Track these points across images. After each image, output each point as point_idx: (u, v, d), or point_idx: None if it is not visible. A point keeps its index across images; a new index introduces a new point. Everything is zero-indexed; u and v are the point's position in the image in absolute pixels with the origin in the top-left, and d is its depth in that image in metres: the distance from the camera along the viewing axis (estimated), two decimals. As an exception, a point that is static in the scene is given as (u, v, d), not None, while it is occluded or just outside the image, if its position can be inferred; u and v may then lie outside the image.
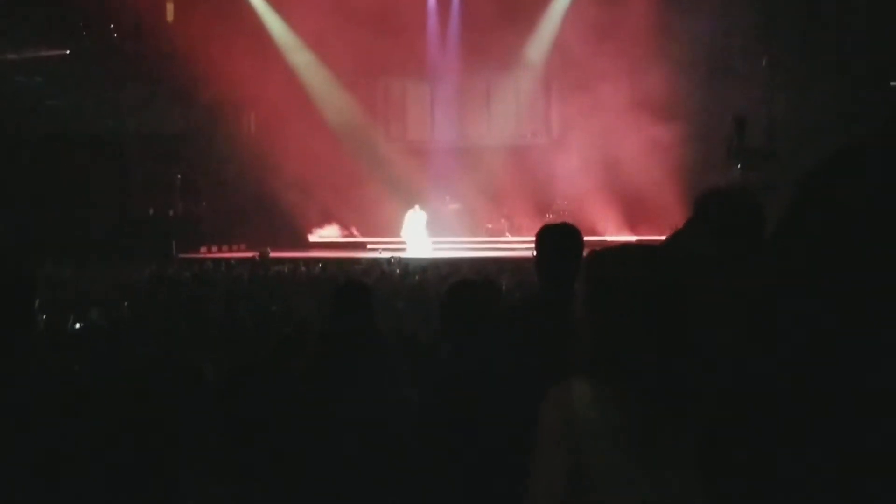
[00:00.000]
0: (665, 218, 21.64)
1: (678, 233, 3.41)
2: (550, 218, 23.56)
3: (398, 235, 25.27)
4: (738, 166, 21.25)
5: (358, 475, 3.75)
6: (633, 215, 23.76)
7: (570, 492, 2.35)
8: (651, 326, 2.36)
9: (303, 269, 18.27)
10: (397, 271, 16.45)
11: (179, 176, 28.30)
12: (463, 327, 3.83)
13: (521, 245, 22.97)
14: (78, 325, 8.51)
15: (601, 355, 2.42)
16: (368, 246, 25.47)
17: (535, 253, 4.54)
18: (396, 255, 21.30)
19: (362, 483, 3.66)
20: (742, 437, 2.20)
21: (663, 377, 2.35)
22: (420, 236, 24.73)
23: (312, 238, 27.39)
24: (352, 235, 27.48)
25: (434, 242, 24.58)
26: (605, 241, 20.61)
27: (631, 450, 2.35)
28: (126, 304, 11.61)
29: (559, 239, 4.46)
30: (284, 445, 3.36)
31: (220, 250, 25.91)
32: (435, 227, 25.46)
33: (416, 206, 24.99)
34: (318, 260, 20.46)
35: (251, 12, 27.05)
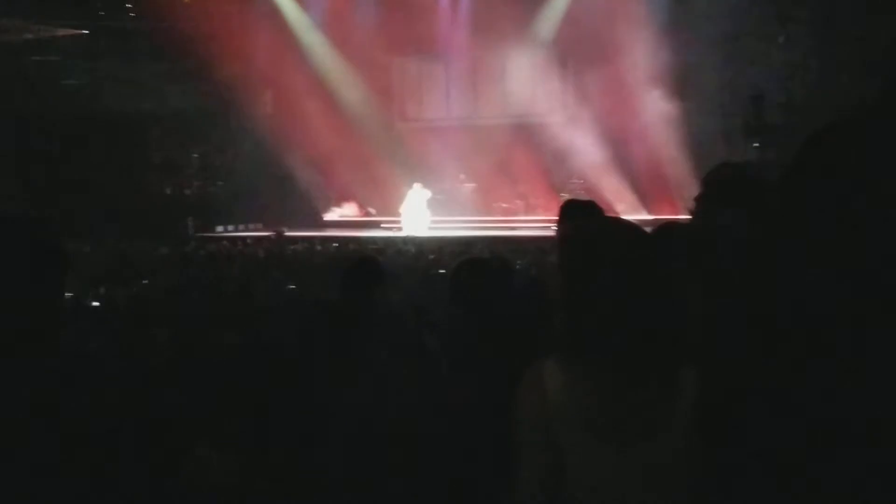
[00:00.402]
0: (680, 196, 21.63)
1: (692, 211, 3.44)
2: (565, 197, 23.53)
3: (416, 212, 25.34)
4: (755, 144, 21.20)
5: (375, 449, 3.80)
6: (647, 193, 23.70)
7: (549, 471, 2.40)
8: (621, 302, 2.37)
9: (318, 247, 18.34)
10: (412, 250, 16.47)
11: (196, 155, 28.41)
12: (471, 304, 3.88)
13: (536, 224, 22.95)
14: (96, 303, 8.58)
15: (572, 332, 2.44)
16: (383, 225, 25.51)
17: (556, 229, 4.58)
18: (411, 234, 21.36)
19: (377, 456, 3.71)
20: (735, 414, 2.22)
21: (633, 354, 2.38)
22: (419, 214, 24.73)
23: (328, 217, 27.44)
24: (367, 214, 27.51)
25: (433, 221, 24.60)
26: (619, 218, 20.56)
27: (600, 427, 2.39)
28: (144, 281, 11.71)
29: (580, 216, 4.51)
30: (303, 421, 3.41)
31: (236, 229, 25.99)
32: (449, 207, 25.50)
33: (418, 185, 24.92)
34: (333, 239, 20.53)
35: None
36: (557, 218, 4.63)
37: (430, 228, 23.92)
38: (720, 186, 3.50)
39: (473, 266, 4.10)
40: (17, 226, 2.26)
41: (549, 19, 26.06)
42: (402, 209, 24.89)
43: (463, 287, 3.97)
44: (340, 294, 5.13)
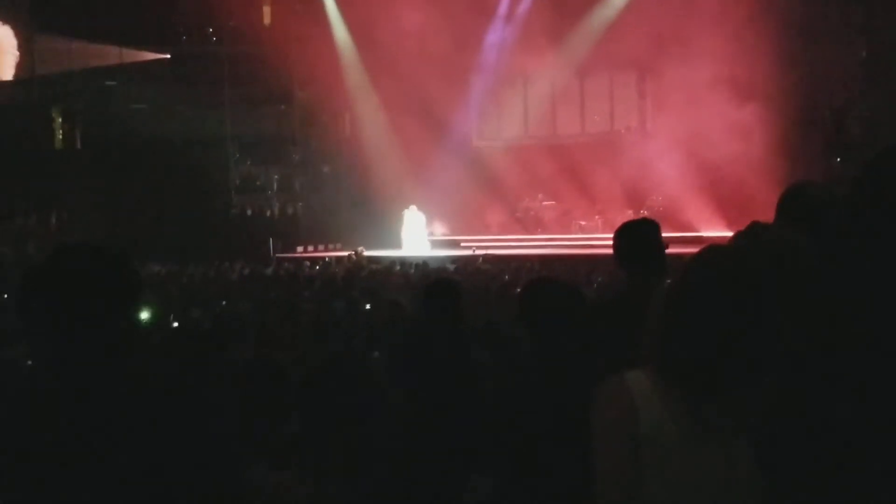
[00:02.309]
0: (762, 213, 21.27)
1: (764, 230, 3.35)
2: (645, 214, 23.35)
3: (492, 233, 25.30)
4: (838, 160, 20.80)
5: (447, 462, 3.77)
6: (728, 209, 23.32)
7: (633, 484, 2.36)
8: (729, 328, 2.30)
9: (397, 267, 18.40)
10: (489, 269, 16.46)
11: (277, 177, 28.78)
12: (539, 324, 3.84)
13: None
14: (176, 324, 8.69)
15: (672, 351, 2.38)
16: (462, 244, 25.51)
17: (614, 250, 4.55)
18: (489, 252, 21.35)
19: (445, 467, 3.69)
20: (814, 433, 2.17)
21: (731, 378, 2.31)
22: (417, 235, 25.37)
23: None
24: (446, 234, 27.55)
25: (431, 241, 25.53)
26: (701, 236, 20.30)
27: (686, 442, 2.34)
28: (224, 302, 11.84)
29: (635, 236, 4.47)
30: (369, 437, 3.39)
31: (315, 249, 26.21)
32: (528, 225, 25.50)
33: (413, 207, 25.47)
34: (411, 258, 20.59)
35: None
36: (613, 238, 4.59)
37: (464, 246, 24.29)
38: (794, 205, 3.41)
39: (540, 286, 4.05)
40: (92, 254, 2.30)
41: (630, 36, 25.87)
42: (403, 232, 25.56)
43: (528, 306, 3.92)
44: (419, 314, 5.13)
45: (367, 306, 10.92)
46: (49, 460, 2.09)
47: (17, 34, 26.51)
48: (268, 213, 28.39)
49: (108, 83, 27.10)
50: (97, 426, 2.14)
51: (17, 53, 26.48)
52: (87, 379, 2.20)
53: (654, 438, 2.35)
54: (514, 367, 4.07)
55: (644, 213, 24.14)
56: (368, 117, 26.83)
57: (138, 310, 2.36)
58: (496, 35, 26.92)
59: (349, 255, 22.85)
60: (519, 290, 4.25)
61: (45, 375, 2.21)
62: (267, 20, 27.40)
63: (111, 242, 2.39)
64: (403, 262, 19.36)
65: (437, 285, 5.50)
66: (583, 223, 26.16)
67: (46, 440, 2.11)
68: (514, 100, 28.71)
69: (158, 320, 8.77)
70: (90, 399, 2.17)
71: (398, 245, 25.76)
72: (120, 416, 2.17)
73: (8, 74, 26.64)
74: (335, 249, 25.92)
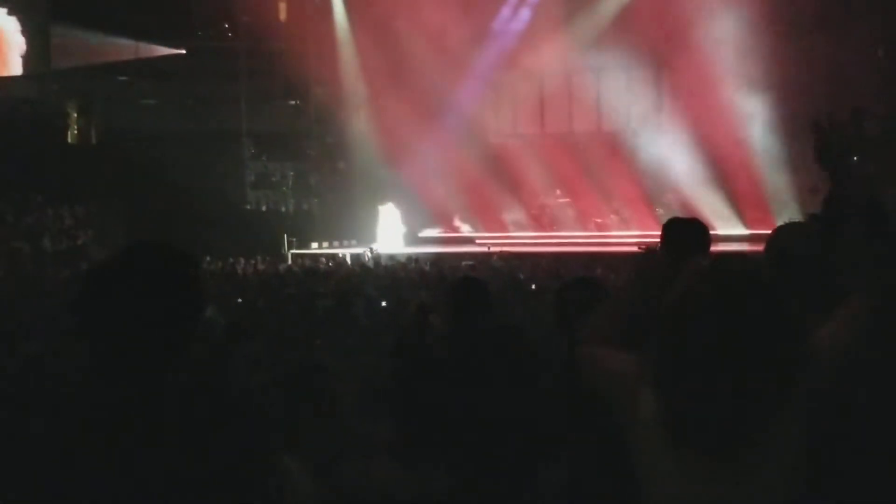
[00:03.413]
0: (778, 212, 21.15)
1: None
2: (661, 212, 23.31)
3: (509, 230, 25.28)
4: (855, 158, 20.65)
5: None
6: (744, 207, 23.21)
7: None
8: (719, 348, 2.12)
9: (412, 264, 18.37)
10: (505, 267, 16.42)
11: (292, 173, 28.78)
12: (573, 325, 3.77)
13: (630, 239, 22.63)
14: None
15: (667, 369, 2.22)
16: (477, 241, 25.46)
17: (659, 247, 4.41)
18: (503, 250, 21.31)
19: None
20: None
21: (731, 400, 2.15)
22: (392, 232, 25.94)
23: (422, 234, 27.50)
24: (461, 231, 27.51)
25: (405, 237, 26.05)
26: (717, 234, 20.21)
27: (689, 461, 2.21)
28: (239, 300, 11.82)
29: (685, 235, 4.34)
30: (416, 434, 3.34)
31: (331, 246, 26.18)
32: (544, 223, 25.47)
33: (390, 204, 26.10)
34: (427, 255, 20.56)
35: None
36: (661, 240, 4.44)
37: (479, 243, 24.31)
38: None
39: (582, 286, 3.97)
40: (165, 254, 2.26)
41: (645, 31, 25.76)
42: (378, 228, 26.25)
43: (567, 308, 3.85)
44: (451, 317, 5.06)
45: (384, 303, 10.90)
46: (107, 465, 2.05)
47: (26, 26, 26.53)
48: (283, 210, 28.39)
49: (123, 78, 27.14)
50: (160, 430, 2.10)
51: (24, 46, 26.52)
52: (150, 383, 2.16)
53: (647, 427, 2.26)
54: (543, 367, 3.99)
55: (659, 211, 24.07)
56: (383, 113, 26.76)
57: (203, 311, 2.31)
58: (508, 25, 26.84)
59: (364, 251, 22.85)
60: (557, 289, 4.14)
61: (105, 379, 2.16)
62: (283, 15, 27.37)
63: (172, 242, 2.33)
64: (418, 260, 19.33)
65: (464, 284, 5.42)
66: (598, 221, 26.06)
67: (105, 446, 2.07)
68: (529, 95, 28.59)
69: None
70: (151, 403, 2.14)
71: (412, 242, 25.78)
72: (181, 420, 2.13)
73: (16, 69, 26.69)
74: (350, 246, 25.89)
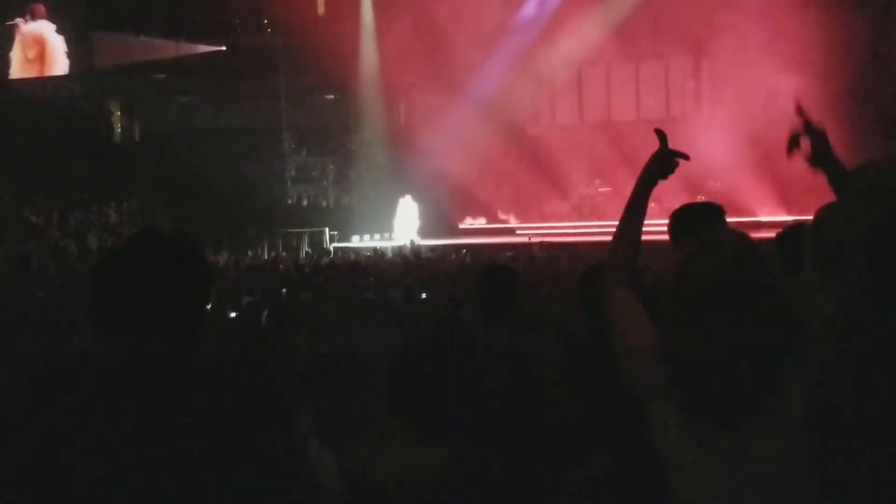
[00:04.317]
0: (821, 195, 20.96)
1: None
2: (703, 199, 23.11)
3: (549, 221, 25.24)
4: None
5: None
6: (788, 193, 22.98)
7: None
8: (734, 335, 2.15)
9: (452, 256, 18.40)
10: (546, 257, 16.41)
11: (332, 167, 28.91)
12: (597, 309, 3.78)
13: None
14: (233, 314, 8.74)
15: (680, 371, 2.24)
16: (518, 232, 25.46)
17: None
18: (544, 240, 21.28)
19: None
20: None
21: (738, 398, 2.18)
22: (409, 225, 25.98)
23: (462, 225, 27.53)
24: (502, 222, 27.51)
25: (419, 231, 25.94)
26: (760, 221, 20.07)
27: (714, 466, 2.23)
28: (284, 291, 11.92)
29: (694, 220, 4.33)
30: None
31: (371, 239, 26.28)
32: (585, 212, 25.45)
33: (408, 196, 26.16)
34: (467, 247, 20.57)
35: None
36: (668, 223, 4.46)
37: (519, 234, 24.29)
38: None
39: (600, 271, 3.98)
40: (168, 240, 2.29)
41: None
42: (395, 221, 26.42)
43: (589, 293, 3.86)
44: (476, 302, 5.09)
45: (423, 295, 10.93)
46: (121, 453, 2.08)
47: (68, 32, 26.90)
48: (323, 204, 28.53)
49: (164, 76, 27.40)
50: (171, 418, 2.12)
51: (67, 49, 26.89)
52: (162, 370, 2.18)
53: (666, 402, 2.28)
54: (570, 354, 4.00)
55: (701, 198, 23.90)
56: (420, 105, 26.82)
57: (209, 298, 2.35)
58: (542, 9, 26.73)
59: (405, 244, 22.94)
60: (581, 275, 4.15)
61: (117, 367, 2.18)
62: (320, 10, 27.46)
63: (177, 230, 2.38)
64: (458, 251, 19.37)
65: (493, 272, 5.45)
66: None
67: (119, 433, 2.09)
68: (567, 85, 28.50)
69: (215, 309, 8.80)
70: (164, 390, 2.16)
71: (453, 233, 25.81)
72: (194, 408, 2.15)
73: (62, 69, 27.07)
74: (390, 239, 25.98)
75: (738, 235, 2.35)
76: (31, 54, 27.02)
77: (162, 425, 2.11)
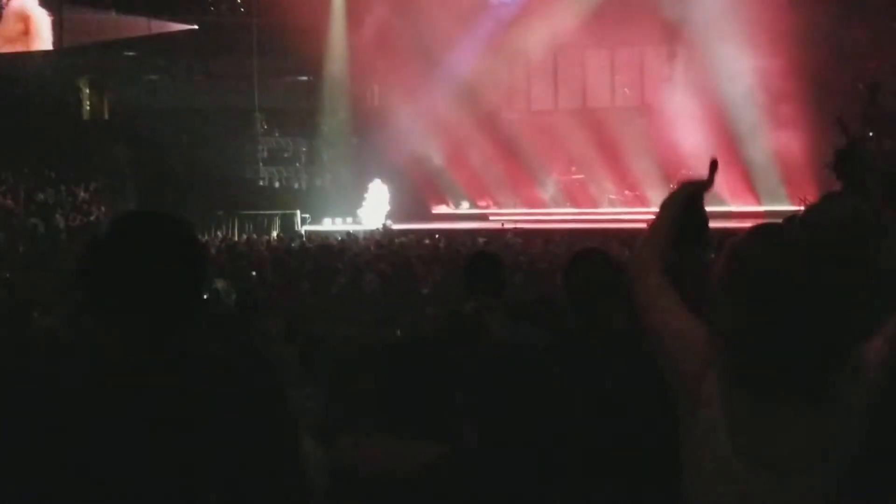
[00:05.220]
0: (794, 187, 21.05)
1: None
2: (674, 188, 23.18)
3: (524, 206, 25.23)
4: (871, 133, 20.52)
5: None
6: (762, 184, 23.11)
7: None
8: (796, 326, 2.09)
9: (426, 241, 18.34)
10: (519, 242, 16.37)
11: (305, 148, 28.74)
12: (584, 297, 3.70)
13: (644, 216, 22.54)
14: (205, 296, 8.62)
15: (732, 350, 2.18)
16: (491, 217, 25.41)
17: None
18: (517, 226, 21.26)
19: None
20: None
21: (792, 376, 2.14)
22: (378, 209, 25.85)
23: (435, 210, 27.46)
24: (475, 207, 27.46)
25: (388, 216, 25.70)
26: (731, 211, 20.11)
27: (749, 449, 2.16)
28: (253, 273, 11.82)
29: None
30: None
31: (344, 222, 26.16)
32: (559, 199, 25.44)
33: (378, 180, 26.09)
34: (439, 232, 20.52)
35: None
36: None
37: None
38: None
39: (587, 259, 3.88)
40: (162, 222, 2.23)
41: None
42: (364, 205, 26.32)
43: (574, 282, 3.76)
44: (463, 290, 4.99)
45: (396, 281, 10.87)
46: (113, 438, 2.02)
47: (48, 8, 26.65)
48: (295, 186, 28.37)
49: (135, 54, 27.12)
50: (165, 402, 2.06)
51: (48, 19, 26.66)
52: (156, 353, 2.12)
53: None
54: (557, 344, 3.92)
55: (674, 187, 23.96)
56: (396, 88, 26.65)
57: (206, 281, 2.28)
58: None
59: (377, 228, 22.86)
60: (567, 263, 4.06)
61: (110, 350, 2.11)
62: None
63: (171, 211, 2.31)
64: (432, 236, 19.30)
65: (479, 259, 5.34)
66: (612, 197, 25.99)
67: (111, 417, 2.03)
68: (543, 71, 28.46)
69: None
70: (157, 374, 2.09)
71: (426, 218, 25.72)
72: (187, 392, 2.09)
73: (46, 45, 26.77)
74: (362, 222, 25.87)
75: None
76: (16, 30, 26.66)
77: (152, 406, 2.04)
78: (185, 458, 2.03)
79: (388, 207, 26.00)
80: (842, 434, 2.13)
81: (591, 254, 4.00)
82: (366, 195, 26.11)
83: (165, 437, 2.02)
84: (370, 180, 26.61)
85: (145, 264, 2.12)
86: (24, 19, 26.64)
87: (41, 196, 22.52)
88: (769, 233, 2.27)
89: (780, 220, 2.56)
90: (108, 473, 2.00)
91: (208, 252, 2.65)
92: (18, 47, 26.71)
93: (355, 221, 25.94)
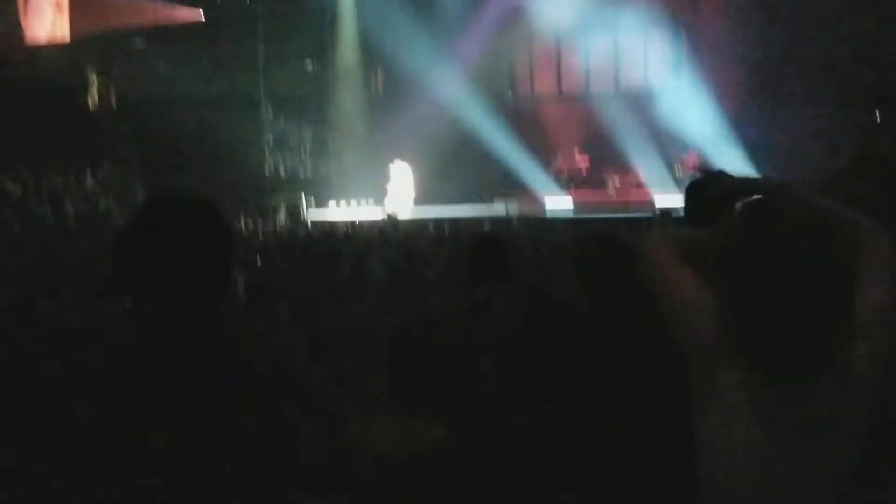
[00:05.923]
0: (798, 171, 21.06)
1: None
2: (679, 170, 23.34)
3: (528, 192, 25.25)
4: (878, 113, 20.49)
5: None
6: (765, 165, 23.08)
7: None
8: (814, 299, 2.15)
9: (431, 228, 18.37)
10: (525, 229, 16.39)
11: (310, 135, 28.72)
12: (595, 284, 3.75)
13: (649, 202, 22.56)
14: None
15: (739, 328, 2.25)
16: (497, 203, 25.38)
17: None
18: (524, 213, 21.25)
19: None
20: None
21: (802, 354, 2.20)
22: (403, 193, 25.17)
23: (439, 196, 27.41)
24: (480, 192, 27.39)
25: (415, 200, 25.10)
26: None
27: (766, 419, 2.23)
28: (259, 261, 11.86)
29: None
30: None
31: (349, 206, 26.13)
32: (563, 184, 25.46)
33: (398, 160, 25.29)
34: (447, 218, 20.53)
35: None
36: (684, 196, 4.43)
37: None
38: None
39: (600, 245, 3.92)
40: (190, 204, 2.28)
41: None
42: (389, 188, 25.26)
43: (587, 268, 3.82)
44: (467, 276, 5.04)
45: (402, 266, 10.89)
46: (148, 416, 2.12)
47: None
48: (301, 172, 28.35)
49: (142, 42, 27.11)
50: (198, 384, 2.16)
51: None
52: (191, 336, 2.22)
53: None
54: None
55: (678, 168, 24.03)
56: (400, 75, 26.60)
57: (232, 265, 2.36)
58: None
59: (383, 215, 22.84)
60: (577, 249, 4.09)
61: (145, 334, 2.22)
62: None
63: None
64: (437, 223, 19.31)
65: (484, 243, 5.38)
66: (616, 180, 25.94)
67: (146, 398, 2.13)
68: (544, 56, 28.36)
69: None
70: (193, 357, 2.19)
71: (429, 202, 25.67)
72: (219, 374, 2.19)
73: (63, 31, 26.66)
74: (367, 206, 25.82)
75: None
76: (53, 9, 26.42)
77: (191, 388, 2.15)
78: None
79: (411, 191, 25.62)
80: (856, 397, 2.20)
81: (598, 239, 4.05)
82: (389, 176, 25.75)
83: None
84: (382, 164, 26.29)
85: (179, 246, 2.18)
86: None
87: (49, 184, 22.58)
88: (767, 206, 2.32)
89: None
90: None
91: (234, 233, 2.72)
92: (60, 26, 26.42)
93: (360, 205, 25.83)
